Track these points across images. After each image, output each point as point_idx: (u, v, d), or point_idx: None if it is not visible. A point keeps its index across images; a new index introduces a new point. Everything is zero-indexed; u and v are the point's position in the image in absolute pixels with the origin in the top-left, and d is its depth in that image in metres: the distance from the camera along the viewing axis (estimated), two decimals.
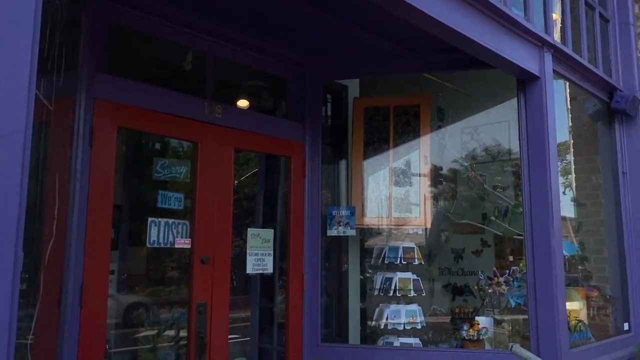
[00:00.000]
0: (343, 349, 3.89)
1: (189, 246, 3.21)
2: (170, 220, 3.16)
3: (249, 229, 3.65)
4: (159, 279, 4.39)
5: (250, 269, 3.57)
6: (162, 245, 3.15)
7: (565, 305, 3.54)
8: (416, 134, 4.15)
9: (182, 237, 3.19)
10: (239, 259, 3.72)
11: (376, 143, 4.20)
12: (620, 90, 4.58)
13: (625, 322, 4.49)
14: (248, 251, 3.56)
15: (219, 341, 3.22)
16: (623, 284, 4.57)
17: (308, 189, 3.92)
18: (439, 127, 4.96)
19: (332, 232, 4.00)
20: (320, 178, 3.99)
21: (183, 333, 3.33)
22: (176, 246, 3.20)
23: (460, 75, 4.72)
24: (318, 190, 3.95)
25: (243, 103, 4.03)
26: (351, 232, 4.02)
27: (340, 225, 3.98)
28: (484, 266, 4.60)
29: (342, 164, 4.44)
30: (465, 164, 5.23)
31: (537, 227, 3.60)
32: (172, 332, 3.65)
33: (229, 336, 3.33)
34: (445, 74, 4.51)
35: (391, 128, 4.16)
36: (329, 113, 4.50)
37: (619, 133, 4.71)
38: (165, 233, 3.13)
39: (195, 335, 3.10)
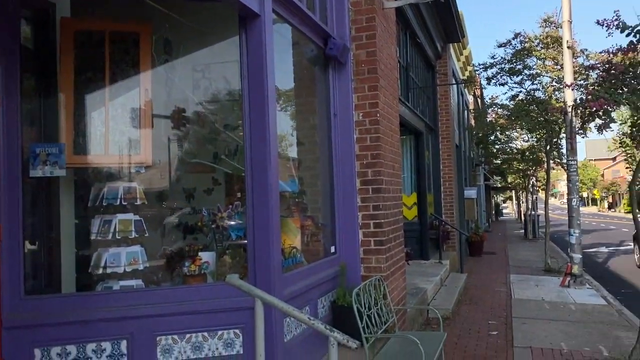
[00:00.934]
0: (54, 299, 3.52)
1: None
2: None
3: None
4: None
5: None
6: None
7: (279, 235, 3.82)
8: (136, 65, 3.85)
9: None
10: None
11: (90, 72, 3.77)
12: (334, 38, 5.01)
13: (332, 245, 5.14)
14: None
15: None
16: (331, 213, 5.19)
17: (3, 124, 3.33)
18: (166, 60, 4.71)
19: (37, 172, 3.50)
20: (19, 111, 3.41)
21: None
22: None
23: (191, 9, 4.52)
24: (17, 124, 3.38)
25: None
26: (60, 172, 3.58)
27: (46, 165, 3.51)
28: (215, 204, 4.66)
29: (51, 95, 3.88)
30: (197, 102, 5.13)
31: (256, 163, 3.75)
32: None
33: None
34: (170, 3, 4.25)
35: (107, 56, 3.77)
36: (32, 35, 3.84)
37: (332, 78, 5.19)
38: None
39: None
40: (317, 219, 5.09)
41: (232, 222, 4.06)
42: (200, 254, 4.00)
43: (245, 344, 3.64)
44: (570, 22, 10.24)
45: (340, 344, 2.75)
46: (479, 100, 24.12)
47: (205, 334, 3.61)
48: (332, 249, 5.11)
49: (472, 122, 20.18)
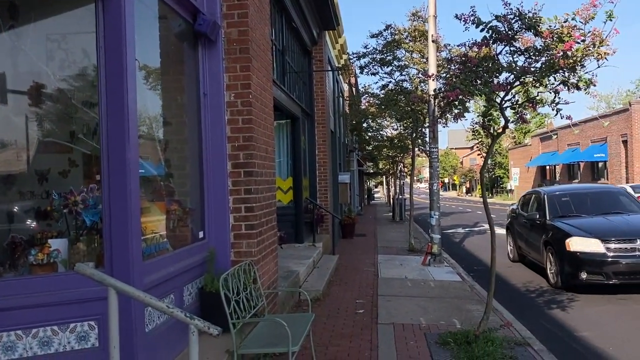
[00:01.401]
0: None
1: None
2: None
3: None
4: None
5: None
6: None
7: (139, 220, 3.60)
8: None
9: None
10: None
11: None
12: (203, 14, 4.79)
13: (201, 230, 4.97)
14: None
15: None
16: (201, 197, 5.01)
17: None
18: (12, 26, 4.18)
19: None
20: None
21: None
22: None
23: None
24: None
25: None
26: None
27: None
28: (71, 187, 4.26)
29: None
30: (51, 74, 4.63)
31: (113, 143, 3.49)
32: None
33: None
34: None
35: None
36: None
37: (202, 56, 4.98)
38: None
39: None
40: (184, 203, 4.88)
41: (87, 207, 3.73)
42: (50, 241, 3.64)
43: (101, 336, 3.40)
44: (435, 17, 10.91)
45: (201, 331, 2.65)
46: (354, 89, 24.98)
47: (55, 327, 3.31)
48: (201, 235, 4.95)
49: (347, 109, 20.85)
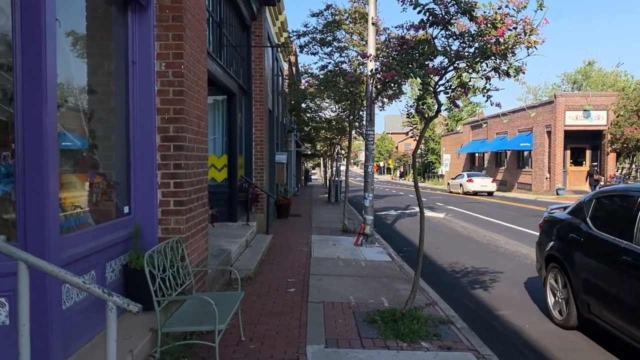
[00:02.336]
0: None
1: None
2: None
3: None
4: None
5: None
6: None
7: (56, 192, 3.38)
8: None
9: None
10: None
11: None
12: None
13: (127, 205, 4.76)
14: None
15: None
16: (127, 171, 4.79)
17: None
18: None
19: None
20: None
21: None
22: None
23: None
24: None
25: None
26: None
27: None
28: None
29: None
30: None
31: (29, 108, 3.24)
32: None
33: None
34: None
35: None
36: None
37: (132, 21, 4.71)
38: None
39: None
40: (109, 176, 4.64)
41: None
42: None
43: (12, 314, 3.19)
44: (376, 0, 10.94)
45: (121, 308, 2.53)
46: (294, 68, 24.76)
47: None
48: (126, 210, 4.74)
49: (286, 88, 20.65)
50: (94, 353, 3.56)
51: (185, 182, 5.01)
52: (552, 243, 6.10)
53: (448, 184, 37.55)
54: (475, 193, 31.96)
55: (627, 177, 25.59)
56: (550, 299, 6.07)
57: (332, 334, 5.12)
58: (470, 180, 32.59)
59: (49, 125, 3.25)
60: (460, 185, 33.68)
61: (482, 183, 32.17)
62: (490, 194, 31.99)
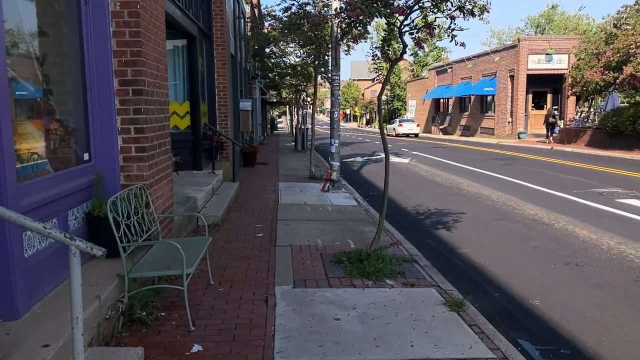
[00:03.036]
0: None
1: None
2: None
3: None
4: None
5: None
6: None
7: (10, 138, 3.25)
8: None
9: None
10: None
11: None
12: None
13: (86, 152, 4.63)
14: None
15: None
16: (85, 116, 4.63)
17: None
18: None
19: None
20: None
21: None
22: None
23: None
24: None
25: None
26: None
27: None
28: None
29: None
30: None
31: None
32: None
33: None
34: None
35: None
36: None
37: None
38: None
39: None
40: (66, 122, 4.48)
41: None
42: None
43: None
44: None
45: (84, 252, 2.50)
46: (256, 10, 23.98)
47: None
48: (86, 156, 4.61)
49: (249, 32, 20.06)
50: (59, 299, 3.54)
51: (146, 127, 4.88)
52: None
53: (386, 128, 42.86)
54: (407, 135, 39.95)
55: (586, 120, 26.29)
56: None
57: (300, 275, 5.23)
58: (400, 125, 40.97)
59: None
60: (393, 129, 41.02)
61: (409, 127, 40.69)
62: (416, 135, 40.17)
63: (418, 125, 41.65)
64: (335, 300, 4.54)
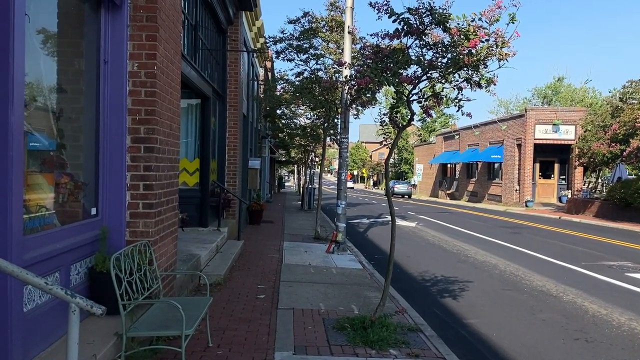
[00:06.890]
0: None
1: None
2: None
3: None
4: None
5: None
6: None
7: (21, 191, 3.28)
8: None
9: None
10: None
11: None
12: None
13: (94, 207, 4.66)
14: None
15: None
16: (95, 172, 4.69)
17: None
18: None
19: None
20: None
21: None
22: None
23: None
24: None
25: None
26: None
27: None
28: None
29: None
30: None
31: None
32: None
33: None
34: None
35: None
36: None
37: (105, 20, 4.64)
38: None
39: None
40: (77, 176, 4.54)
41: None
42: None
43: None
44: (353, 9, 11.04)
45: (84, 310, 2.47)
46: (269, 74, 24.74)
47: None
48: (94, 211, 4.64)
49: (261, 94, 20.61)
50: (55, 356, 3.46)
51: (155, 184, 4.93)
52: None
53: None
54: (402, 195, 44.63)
55: (594, 190, 26.26)
56: None
57: (301, 340, 5.09)
58: (396, 187, 45.06)
59: (14, 124, 3.16)
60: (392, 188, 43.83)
61: (402, 187, 45.96)
62: (409, 195, 45.25)
63: (409, 188, 46.92)
64: None
